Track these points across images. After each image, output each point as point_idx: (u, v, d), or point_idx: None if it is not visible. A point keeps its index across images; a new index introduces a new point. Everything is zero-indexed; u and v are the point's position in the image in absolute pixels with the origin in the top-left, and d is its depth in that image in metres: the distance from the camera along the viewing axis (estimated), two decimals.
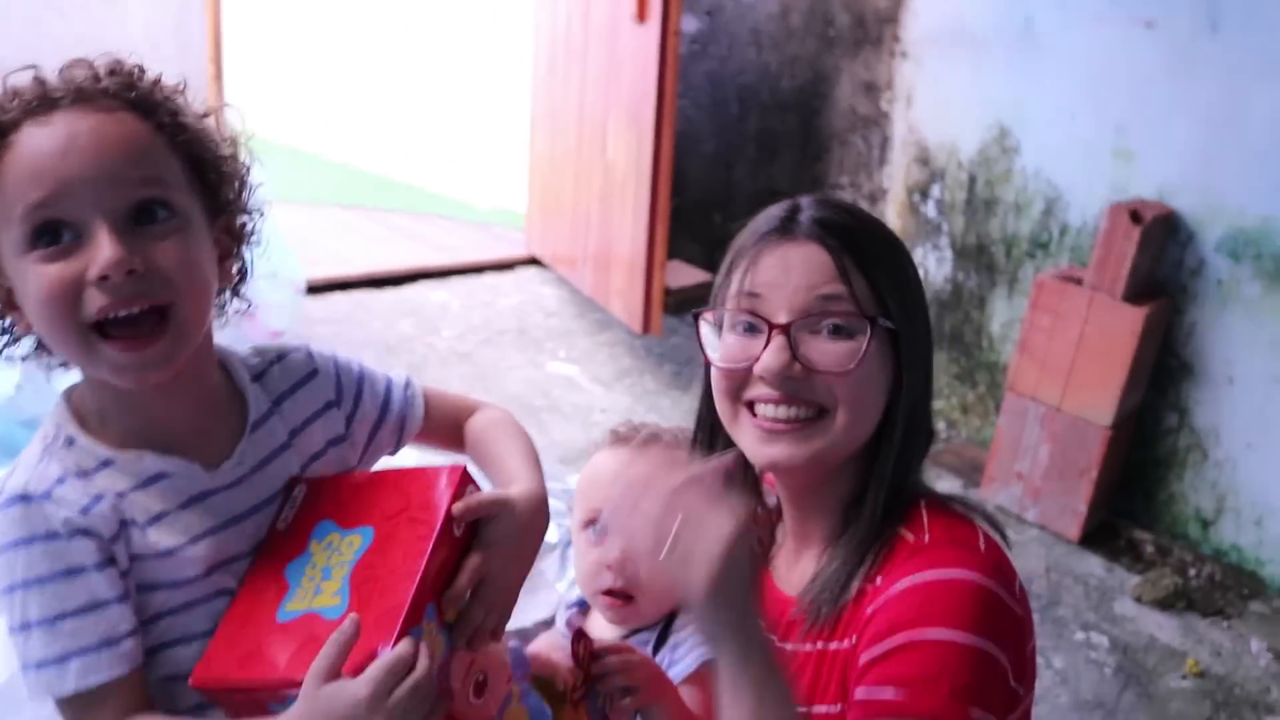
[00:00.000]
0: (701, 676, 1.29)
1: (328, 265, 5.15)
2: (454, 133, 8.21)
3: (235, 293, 1.18)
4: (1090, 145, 3.80)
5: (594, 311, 5.21)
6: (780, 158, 5.17)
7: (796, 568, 1.27)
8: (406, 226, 6.27)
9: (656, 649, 1.35)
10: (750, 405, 1.19)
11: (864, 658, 1.08)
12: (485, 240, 6.25)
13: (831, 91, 4.86)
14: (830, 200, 1.21)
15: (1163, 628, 3.33)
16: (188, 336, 1.06)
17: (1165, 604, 3.41)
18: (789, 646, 1.21)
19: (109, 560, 1.06)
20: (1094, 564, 3.61)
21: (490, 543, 1.10)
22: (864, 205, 4.70)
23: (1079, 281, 3.60)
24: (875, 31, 4.58)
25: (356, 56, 9.20)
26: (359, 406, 1.29)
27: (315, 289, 4.84)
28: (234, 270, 1.17)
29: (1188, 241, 3.57)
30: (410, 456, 1.38)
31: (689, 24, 5.21)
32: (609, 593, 1.34)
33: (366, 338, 4.62)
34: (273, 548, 1.14)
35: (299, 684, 1.00)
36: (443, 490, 1.09)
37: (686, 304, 5.28)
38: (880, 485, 1.18)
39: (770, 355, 1.14)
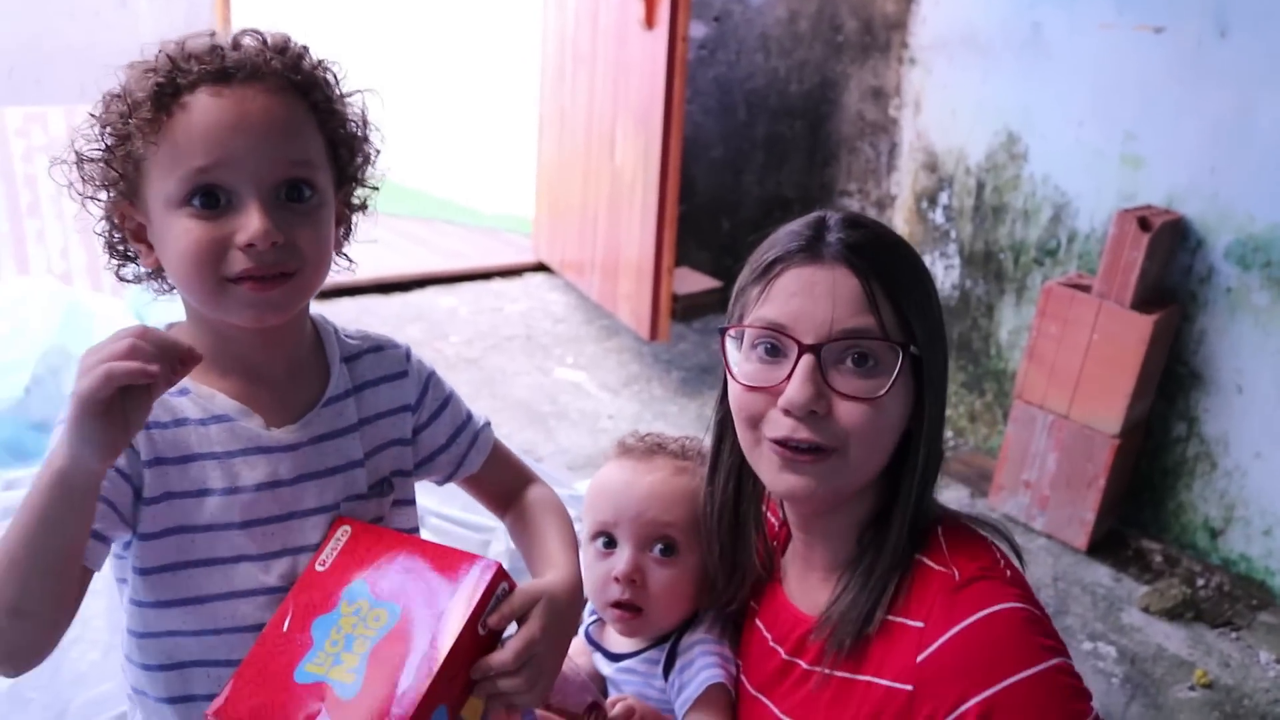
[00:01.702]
0: (710, 699, 1.29)
1: (335, 270, 5.16)
2: (461, 138, 8.22)
3: (339, 252, 1.26)
4: (1099, 152, 3.80)
5: (602, 318, 5.21)
6: (788, 164, 5.17)
7: (807, 586, 1.26)
8: (413, 232, 6.28)
9: (666, 670, 1.34)
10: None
11: (954, 715, 1.07)
12: (493, 246, 6.26)
13: (840, 97, 4.86)
14: (856, 218, 1.20)
15: (1171, 638, 3.31)
16: (306, 294, 1.17)
17: (1173, 614, 3.40)
18: (803, 665, 1.20)
19: (128, 475, 1.11)
20: (1102, 574, 3.59)
21: (538, 625, 1.13)
22: (872, 212, 4.70)
23: (1087, 289, 3.59)
24: (883, 38, 4.58)
25: (363, 61, 9.22)
26: (432, 423, 1.33)
27: (323, 294, 4.84)
28: (344, 235, 1.26)
29: (1196, 249, 3.56)
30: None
31: (697, 29, 5.21)
32: (618, 605, 1.34)
33: (390, 335, 4.61)
34: (309, 589, 1.15)
35: None
36: (475, 588, 1.10)
37: (694, 310, 5.28)
38: (904, 514, 1.17)
39: (797, 387, 1.12)
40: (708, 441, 1.36)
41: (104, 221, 1.17)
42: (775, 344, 1.16)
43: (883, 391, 1.12)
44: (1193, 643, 3.30)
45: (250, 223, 1.07)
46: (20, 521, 0.98)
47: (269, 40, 1.14)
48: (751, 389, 1.17)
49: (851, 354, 1.13)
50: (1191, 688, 3.11)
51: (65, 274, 3.80)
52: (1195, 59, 3.49)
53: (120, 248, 1.18)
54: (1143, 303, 3.49)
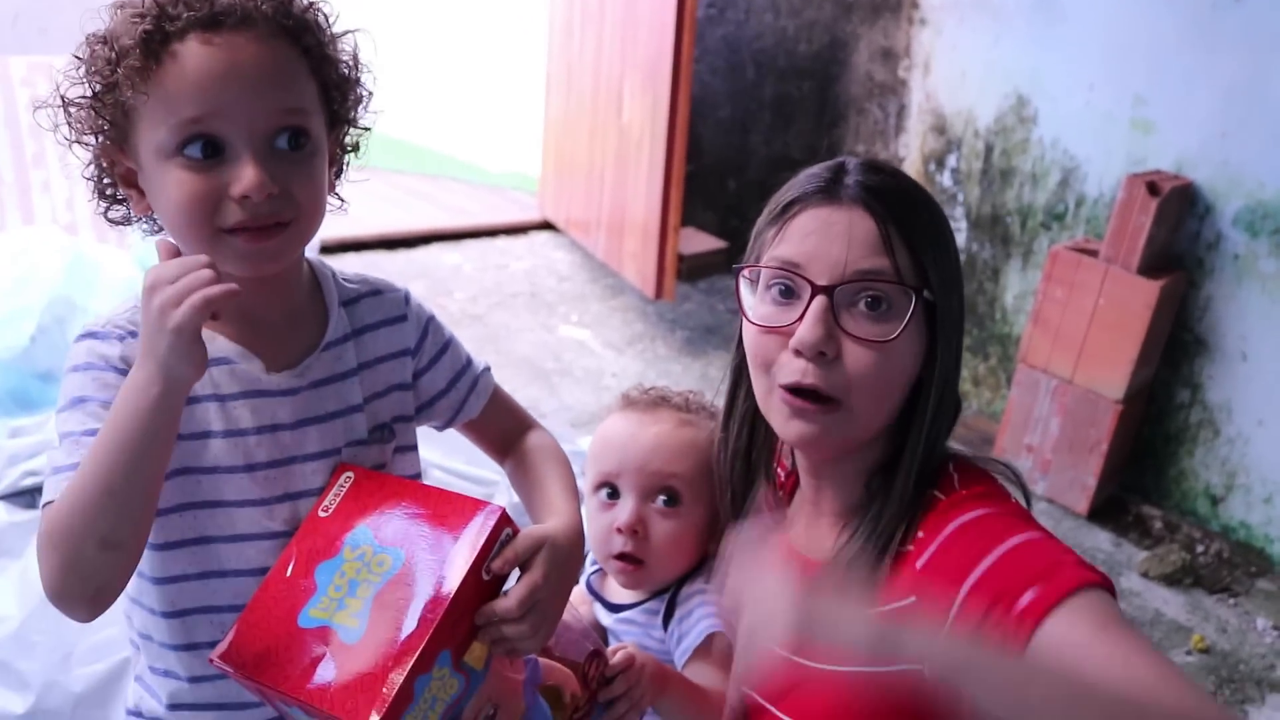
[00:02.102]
0: (709, 648, 1.30)
1: (340, 226, 5.17)
2: (468, 94, 8.18)
3: (332, 193, 1.24)
4: (1108, 116, 3.77)
5: (607, 276, 5.20)
6: (796, 124, 5.14)
7: (815, 532, 1.26)
8: (419, 188, 6.26)
9: (666, 620, 1.35)
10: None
11: (956, 602, 1.07)
12: (498, 203, 6.25)
13: (849, 58, 4.83)
14: (876, 163, 1.19)
15: (1169, 603, 3.33)
16: (302, 242, 1.16)
17: (1172, 580, 3.41)
18: None
19: None
20: (1102, 538, 3.61)
21: (541, 572, 1.13)
22: None
23: (1094, 253, 3.58)
24: None
25: (369, 18, 9.16)
26: (432, 368, 1.32)
27: (328, 249, 4.84)
28: (335, 176, 1.25)
29: (1205, 215, 3.54)
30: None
31: None
32: (620, 556, 1.34)
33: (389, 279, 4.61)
34: (313, 535, 1.16)
35: (301, 699, 1.05)
36: (479, 534, 1.10)
37: (699, 270, 5.27)
38: (912, 461, 1.17)
39: (808, 327, 1.12)
40: (712, 397, 1.36)
41: (92, 166, 1.16)
42: (789, 285, 1.16)
43: (894, 335, 1.12)
44: (1191, 608, 3.31)
45: (245, 174, 1.06)
46: (112, 453, 1.01)
47: None
48: (765, 330, 1.17)
49: (865, 297, 1.13)
50: (1189, 653, 3.13)
51: (70, 224, 3.80)
52: (1207, 23, 3.46)
53: (109, 192, 1.18)
54: (1149, 268, 3.48)
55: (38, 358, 2.86)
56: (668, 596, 1.35)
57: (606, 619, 1.41)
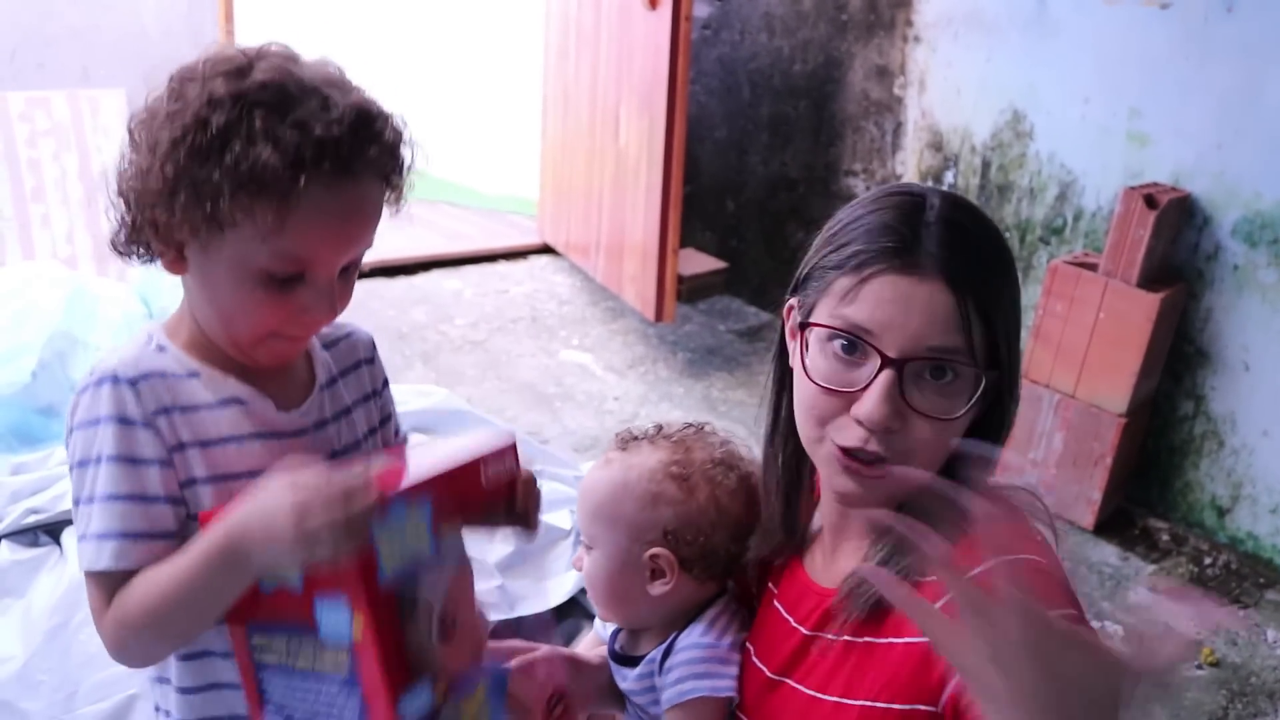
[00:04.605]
0: (692, 706, 1.27)
1: None
2: (463, 118, 8.20)
3: None
4: (1104, 129, 3.78)
5: (607, 299, 5.20)
6: (793, 144, 5.15)
7: (835, 561, 1.24)
8: (416, 214, 6.21)
9: (662, 663, 1.32)
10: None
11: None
12: (497, 228, 6.25)
13: (844, 76, 4.84)
14: (956, 216, 1.13)
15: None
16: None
17: None
18: (828, 638, 1.19)
19: (168, 462, 1.11)
20: (1108, 552, 3.59)
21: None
22: None
23: (1093, 267, 3.58)
24: (887, 15, 4.55)
25: (367, 41, 9.19)
26: (386, 413, 1.35)
27: None
28: None
29: (1203, 226, 3.54)
30: None
31: (700, 9, 5.19)
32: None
33: (379, 326, 4.62)
34: None
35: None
36: (487, 442, 1.16)
37: (699, 291, 5.27)
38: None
39: (875, 404, 1.08)
40: (715, 419, 1.35)
41: (130, 214, 1.12)
42: (855, 343, 1.11)
43: (958, 414, 1.11)
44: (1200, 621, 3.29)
45: (319, 307, 1.12)
46: (193, 581, 1.04)
47: (382, 132, 1.15)
48: (826, 390, 1.13)
49: (930, 367, 1.10)
50: (1199, 666, 3.12)
51: (70, 258, 3.81)
52: (1201, 35, 3.47)
53: (137, 238, 1.14)
54: (1149, 281, 3.48)
55: (39, 393, 2.86)
56: (663, 648, 1.32)
57: (624, 683, 1.38)
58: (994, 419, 1.16)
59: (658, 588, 1.30)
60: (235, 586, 1.04)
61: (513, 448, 1.17)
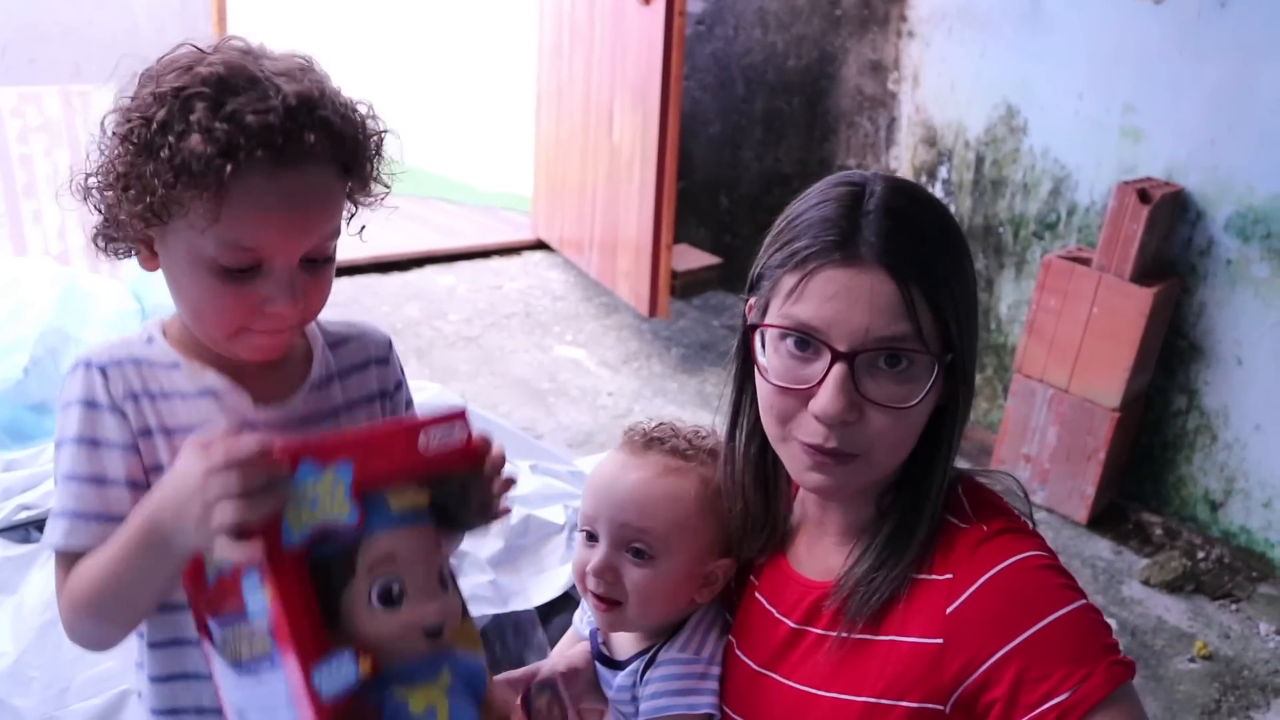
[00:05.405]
0: None
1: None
2: (457, 114, 8.19)
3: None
4: (1098, 124, 3.78)
5: (601, 295, 5.20)
6: (787, 139, 5.15)
7: (818, 551, 1.25)
8: (410, 210, 6.24)
9: (644, 672, 1.31)
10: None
11: (987, 663, 1.07)
12: (491, 224, 6.24)
13: (838, 72, 4.84)
14: (896, 202, 1.12)
15: (1171, 610, 3.32)
16: (304, 327, 1.22)
17: (1174, 587, 3.41)
18: (817, 631, 1.19)
19: (133, 448, 1.13)
20: (1102, 546, 3.60)
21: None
22: None
23: (1087, 262, 3.59)
24: (881, 11, 4.55)
25: (360, 37, 9.18)
26: (397, 414, 1.33)
27: None
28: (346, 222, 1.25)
29: (1196, 221, 3.55)
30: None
31: (694, 5, 5.18)
32: (596, 595, 1.32)
33: (373, 322, 4.60)
34: None
35: None
36: (432, 412, 1.12)
37: (693, 287, 5.27)
38: (939, 493, 1.16)
39: (829, 397, 1.09)
40: (712, 415, 1.34)
41: (100, 211, 1.15)
42: (807, 340, 1.12)
43: (915, 401, 1.11)
44: (1193, 615, 3.30)
45: (279, 298, 1.10)
46: (114, 577, 1.06)
47: (323, 110, 1.10)
48: (782, 390, 1.13)
49: (884, 355, 1.10)
50: (1192, 659, 3.12)
51: (63, 254, 3.79)
52: (1195, 30, 3.47)
53: (115, 238, 1.17)
54: (1142, 275, 3.48)
55: (31, 390, 2.85)
56: (648, 656, 1.30)
57: (609, 690, 1.37)
58: (964, 394, 1.16)
59: (705, 595, 1.30)
60: (162, 568, 1.04)
61: (462, 415, 1.11)
